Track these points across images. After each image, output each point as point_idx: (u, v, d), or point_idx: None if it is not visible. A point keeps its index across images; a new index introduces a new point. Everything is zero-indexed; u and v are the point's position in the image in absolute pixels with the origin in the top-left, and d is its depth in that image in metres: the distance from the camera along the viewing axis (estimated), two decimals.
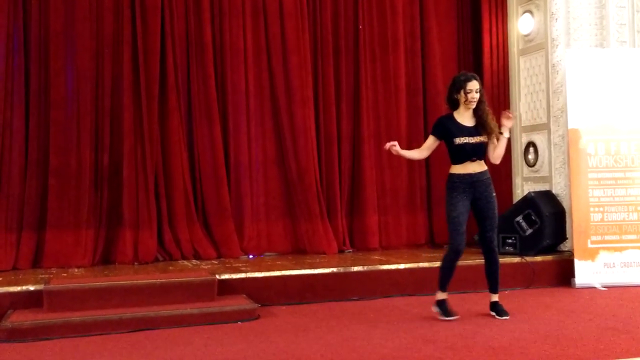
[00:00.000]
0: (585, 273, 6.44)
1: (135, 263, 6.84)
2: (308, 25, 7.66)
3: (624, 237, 6.38)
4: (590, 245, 6.48)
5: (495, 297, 5.28)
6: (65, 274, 6.20)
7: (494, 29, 8.02)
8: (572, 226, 6.67)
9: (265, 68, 7.59)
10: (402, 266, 6.33)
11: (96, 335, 4.89)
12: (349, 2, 7.84)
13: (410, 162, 7.99)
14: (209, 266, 6.47)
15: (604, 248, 6.46)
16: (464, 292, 6.22)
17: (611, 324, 4.89)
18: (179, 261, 6.95)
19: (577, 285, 6.44)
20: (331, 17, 7.78)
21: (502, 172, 7.90)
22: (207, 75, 7.32)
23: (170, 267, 6.57)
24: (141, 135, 7.07)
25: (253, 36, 7.55)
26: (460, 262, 6.46)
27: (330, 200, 7.62)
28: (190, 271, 6.24)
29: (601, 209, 6.49)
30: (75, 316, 5.03)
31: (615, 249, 6.36)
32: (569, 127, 6.67)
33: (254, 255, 7.29)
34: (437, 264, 6.37)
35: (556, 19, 7.14)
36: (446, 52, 8.19)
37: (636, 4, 6.91)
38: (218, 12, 7.42)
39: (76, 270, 6.50)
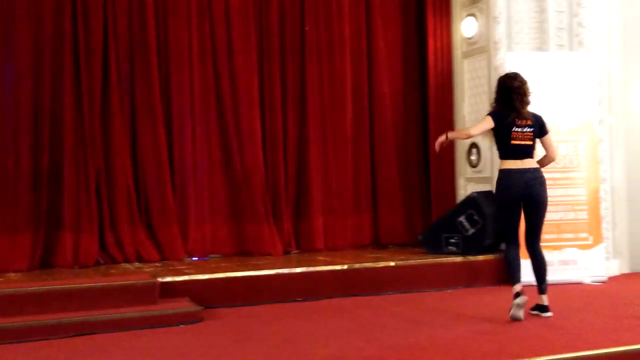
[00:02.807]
0: (526, 271, 6.54)
1: (76, 267, 6.69)
2: (254, 26, 7.63)
3: (562, 235, 6.53)
4: None
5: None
6: (1, 279, 6.02)
7: (438, 32, 8.12)
8: None
9: (211, 69, 7.52)
10: (346, 267, 6.34)
11: (34, 341, 4.75)
12: (295, 3, 7.83)
13: (356, 164, 8.05)
14: (152, 269, 6.38)
15: (543, 247, 6.54)
16: (408, 292, 6.31)
17: (549, 321, 5.01)
18: (122, 264, 6.83)
19: None
20: (277, 18, 7.75)
21: (446, 173, 8.04)
22: (151, 75, 7.21)
23: (112, 271, 6.45)
24: (82, 135, 6.93)
25: (198, 36, 7.47)
26: (406, 262, 6.59)
27: (276, 202, 7.60)
28: (132, 274, 6.14)
29: None
30: (12, 322, 4.87)
31: (554, 248, 6.49)
32: None
33: (198, 258, 7.22)
34: (382, 264, 6.48)
35: (498, 23, 7.27)
36: (392, 54, 8.25)
37: (574, 9, 7.09)
38: (162, 11, 7.33)
39: (13, 274, 6.33)
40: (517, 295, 5.04)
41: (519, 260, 5.18)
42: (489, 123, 5.14)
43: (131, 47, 7.21)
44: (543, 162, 5.25)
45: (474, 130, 5.25)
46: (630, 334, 4.54)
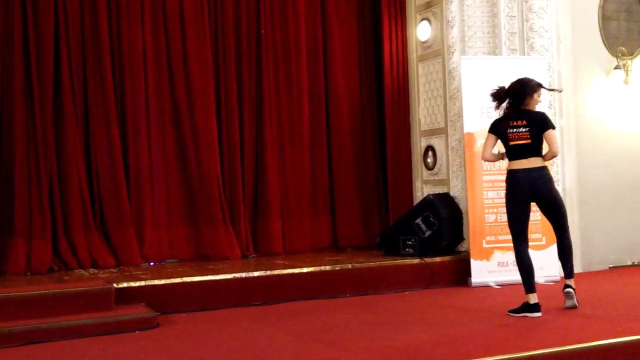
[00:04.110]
0: (481, 272, 6.68)
1: (28, 274, 6.54)
2: (209, 29, 7.57)
3: None
4: (485, 245, 6.72)
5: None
6: None
7: (393, 35, 8.18)
8: (468, 227, 6.90)
9: (166, 71, 7.45)
10: (305, 270, 6.34)
11: None
12: (250, 6, 7.80)
13: (313, 166, 8.06)
14: (107, 275, 6.28)
15: (497, 248, 6.72)
16: (366, 294, 6.34)
17: (503, 321, 5.09)
18: (76, 270, 6.69)
19: (473, 284, 6.66)
20: (233, 21, 7.71)
21: (403, 175, 8.11)
22: (105, 77, 7.10)
23: (66, 277, 6.33)
24: (34, 139, 6.78)
25: (152, 39, 7.39)
26: (364, 265, 6.63)
27: (233, 206, 7.55)
28: (87, 280, 6.03)
29: (495, 210, 6.73)
30: None
31: (508, 249, 6.54)
32: (465, 131, 6.90)
33: (155, 263, 7.13)
34: (338, 267, 6.49)
35: (452, 27, 7.37)
36: (348, 57, 8.28)
37: (525, 13, 7.23)
38: (115, 13, 7.21)
39: None
40: (537, 307, 5.17)
41: (532, 265, 5.33)
42: (491, 138, 5.40)
43: (84, 50, 7.08)
44: (545, 157, 5.38)
45: (485, 154, 5.48)
46: (581, 332, 4.63)
